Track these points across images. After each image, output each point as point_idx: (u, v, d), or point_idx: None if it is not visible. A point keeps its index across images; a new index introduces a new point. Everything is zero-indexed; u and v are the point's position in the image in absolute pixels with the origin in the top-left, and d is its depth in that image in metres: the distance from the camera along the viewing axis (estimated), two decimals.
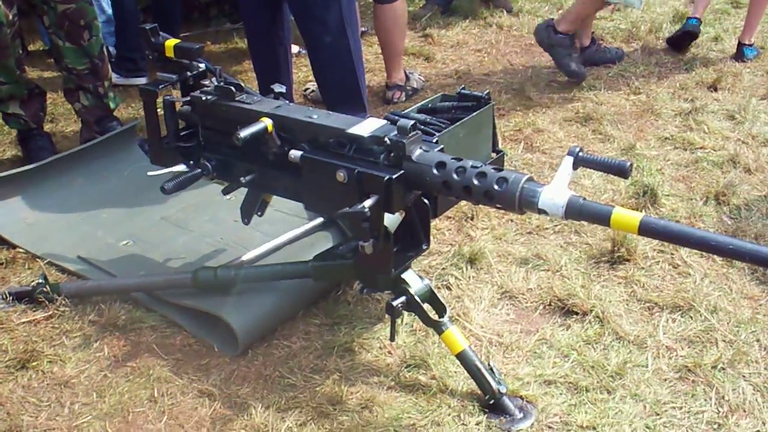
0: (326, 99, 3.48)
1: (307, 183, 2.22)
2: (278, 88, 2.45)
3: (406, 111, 2.53)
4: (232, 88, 2.36)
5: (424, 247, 2.30)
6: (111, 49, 4.38)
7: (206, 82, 2.47)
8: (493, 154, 2.59)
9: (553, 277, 2.69)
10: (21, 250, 2.87)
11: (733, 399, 2.21)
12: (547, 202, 1.88)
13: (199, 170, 2.39)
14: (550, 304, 2.58)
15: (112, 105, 3.53)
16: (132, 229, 2.90)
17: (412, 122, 2.08)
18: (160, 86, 2.42)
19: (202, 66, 2.46)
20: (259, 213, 2.51)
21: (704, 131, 3.59)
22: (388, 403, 2.21)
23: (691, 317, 2.51)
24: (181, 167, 2.42)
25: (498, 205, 1.98)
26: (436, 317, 2.24)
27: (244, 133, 2.20)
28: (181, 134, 2.46)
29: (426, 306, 2.24)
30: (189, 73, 2.45)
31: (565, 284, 2.64)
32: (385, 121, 2.18)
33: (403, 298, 2.24)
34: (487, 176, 1.94)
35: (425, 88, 4.19)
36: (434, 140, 2.22)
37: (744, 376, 2.30)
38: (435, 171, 2.01)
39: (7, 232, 2.92)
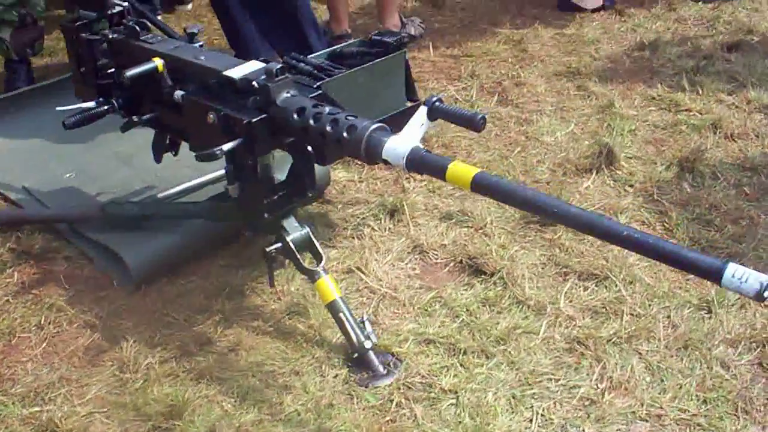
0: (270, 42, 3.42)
1: (188, 123, 2.23)
2: (191, 29, 2.44)
3: (317, 54, 2.47)
4: (137, 27, 2.37)
5: (309, 194, 2.27)
6: None
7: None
8: (409, 103, 2.50)
9: (474, 235, 2.61)
10: None
11: (617, 376, 2.10)
12: (390, 152, 1.81)
13: (106, 107, 2.42)
14: (460, 262, 2.50)
15: None
16: (81, 162, 2.96)
17: (280, 66, 2.04)
18: (78, 23, 2.45)
19: (122, 5, 2.47)
20: (173, 152, 2.52)
21: (697, 92, 3.38)
22: (255, 347, 2.21)
23: (606, 287, 2.39)
24: (90, 104, 2.44)
25: (348, 154, 1.93)
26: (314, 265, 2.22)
27: (131, 72, 2.21)
28: (100, 71, 2.49)
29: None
30: (110, 11, 2.47)
31: (483, 243, 2.56)
32: (263, 64, 2.15)
33: (278, 245, 2.22)
34: (339, 123, 1.89)
35: (424, 36, 4.08)
36: (316, 85, 2.17)
37: (640, 353, 2.18)
38: (295, 116, 1.96)
39: None
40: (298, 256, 2.21)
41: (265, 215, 2.20)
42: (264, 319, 2.30)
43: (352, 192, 2.83)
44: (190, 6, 4.66)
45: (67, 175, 2.91)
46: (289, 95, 2.02)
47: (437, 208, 2.72)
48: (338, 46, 2.46)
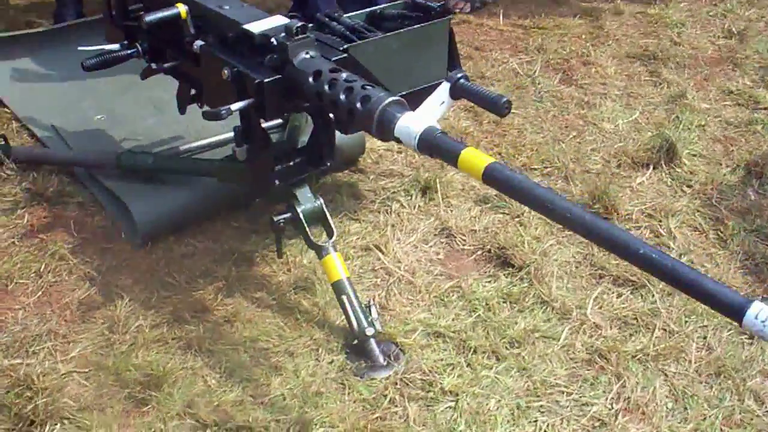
0: None
1: (204, 76, 2.09)
2: None
3: (356, 13, 2.30)
4: None
5: (327, 164, 2.12)
6: None
7: None
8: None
9: (509, 223, 2.42)
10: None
11: (636, 397, 1.91)
12: (402, 130, 1.63)
13: (129, 51, 2.29)
14: (488, 251, 2.32)
15: None
16: (113, 105, 2.86)
17: (301, 23, 1.88)
18: None
19: None
20: (198, 104, 2.39)
21: None
22: (252, 321, 2.08)
23: (641, 296, 2.18)
24: (114, 46, 2.32)
25: (361, 127, 1.77)
26: (324, 241, 2.07)
27: (151, 16, 2.08)
28: (129, 13, 2.37)
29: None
30: None
31: (516, 233, 2.37)
32: (288, 20, 1.99)
33: (287, 214, 2.08)
34: (354, 92, 1.72)
35: (497, 2, 3.85)
36: (342, 48, 2.00)
37: (665, 374, 1.98)
38: (311, 80, 1.80)
39: (4, 89, 2.97)
40: (307, 229, 2.06)
41: (276, 182, 2.07)
42: (268, 291, 2.17)
43: (388, 163, 2.66)
44: None
45: (98, 117, 2.81)
46: (308, 56, 1.86)
47: (474, 189, 2.53)
48: (379, 6, 2.27)
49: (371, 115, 1.67)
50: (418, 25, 2.16)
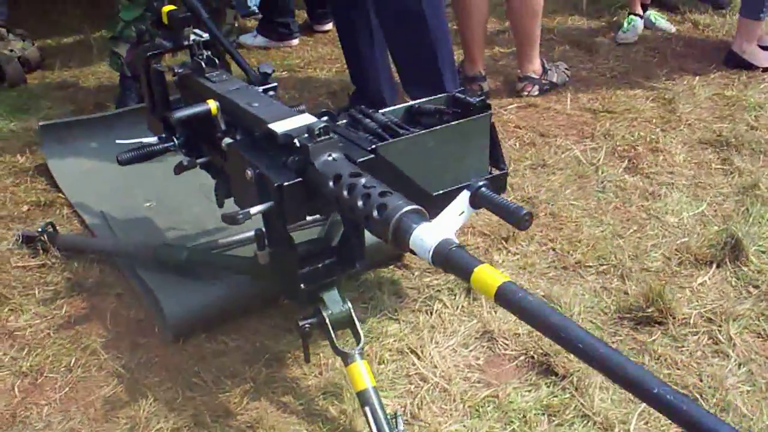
0: (401, 79, 3.23)
1: (232, 175, 2.06)
2: (264, 68, 2.26)
3: (392, 109, 2.23)
4: (203, 62, 2.22)
5: (357, 266, 2.04)
6: (254, 8, 4.38)
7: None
8: (495, 171, 2.21)
9: None
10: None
11: None
12: (417, 242, 1.55)
13: (165, 145, 2.28)
14: (531, 357, 2.19)
15: None
16: (163, 191, 2.86)
17: (323, 125, 1.83)
18: (149, 53, 2.33)
19: (193, 37, 2.32)
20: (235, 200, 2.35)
21: None
22: (276, 428, 1.99)
23: None
24: (152, 139, 2.31)
25: (377, 235, 1.69)
26: (352, 346, 1.98)
27: (179, 113, 2.07)
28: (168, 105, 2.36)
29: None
30: (186, 42, 2.33)
31: None
32: (314, 119, 1.94)
33: (313, 319, 2.00)
34: (371, 199, 1.65)
35: (567, 84, 3.74)
36: (370, 148, 1.93)
37: None
38: (331, 183, 1.74)
39: (60, 174, 3.01)
40: (333, 335, 1.98)
41: (301, 286, 2.00)
42: (295, 395, 2.09)
43: None
44: (296, 41, 4.50)
45: (147, 204, 2.82)
46: (330, 158, 1.80)
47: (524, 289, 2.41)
48: (418, 101, 2.20)
49: (387, 224, 1.59)
50: (456, 122, 2.09)
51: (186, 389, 2.11)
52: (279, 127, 1.91)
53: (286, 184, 1.79)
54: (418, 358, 2.18)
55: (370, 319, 2.31)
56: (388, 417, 1.91)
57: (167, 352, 2.24)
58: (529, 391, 2.09)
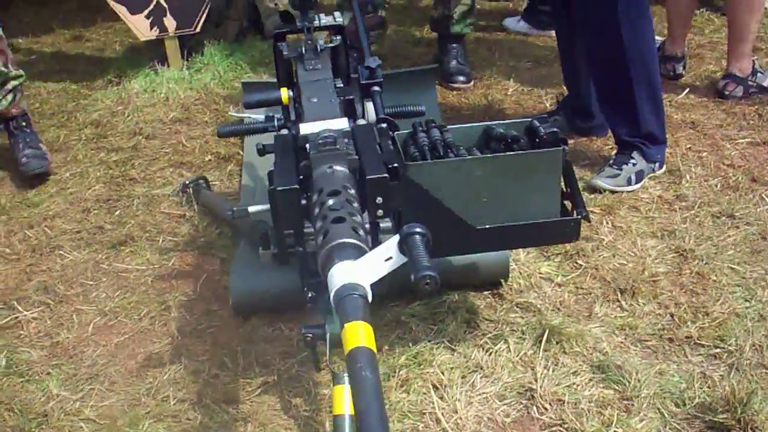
0: (595, 93, 2.92)
1: None
2: (370, 62, 2.18)
3: (469, 126, 2.01)
4: (304, 48, 2.20)
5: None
6: None
7: None
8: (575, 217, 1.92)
9: (608, 405, 1.96)
10: None
11: None
12: (330, 279, 1.44)
13: (265, 124, 2.25)
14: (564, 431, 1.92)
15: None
16: None
17: (326, 135, 1.74)
18: (276, 32, 2.34)
19: (317, 21, 2.29)
20: None
21: None
22: (267, 427, 1.96)
23: None
24: (259, 117, 2.33)
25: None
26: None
27: (252, 97, 2.09)
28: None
29: None
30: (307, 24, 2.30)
31: (606, 420, 1.92)
32: (348, 126, 1.85)
33: (317, 330, 1.92)
34: (324, 222, 1.56)
35: None
36: (391, 166, 1.78)
37: None
38: (315, 197, 1.66)
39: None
40: (329, 351, 1.88)
41: (308, 294, 1.93)
42: (306, 400, 2.03)
43: (534, 294, 2.32)
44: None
45: None
46: (329, 170, 1.71)
47: (600, 352, 2.11)
48: (495, 122, 1.97)
49: (320, 251, 1.50)
50: (511, 153, 1.86)
51: (216, 367, 2.15)
52: (306, 127, 1.85)
53: (279, 189, 1.73)
54: (442, 399, 2.01)
55: (426, 344, 2.17)
56: None
57: (225, 326, 2.29)
58: None
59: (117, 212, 2.84)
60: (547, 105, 3.41)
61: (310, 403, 2.02)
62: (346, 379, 1.83)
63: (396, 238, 1.47)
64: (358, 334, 1.31)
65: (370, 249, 1.49)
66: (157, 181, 3.01)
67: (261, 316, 2.30)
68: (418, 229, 1.46)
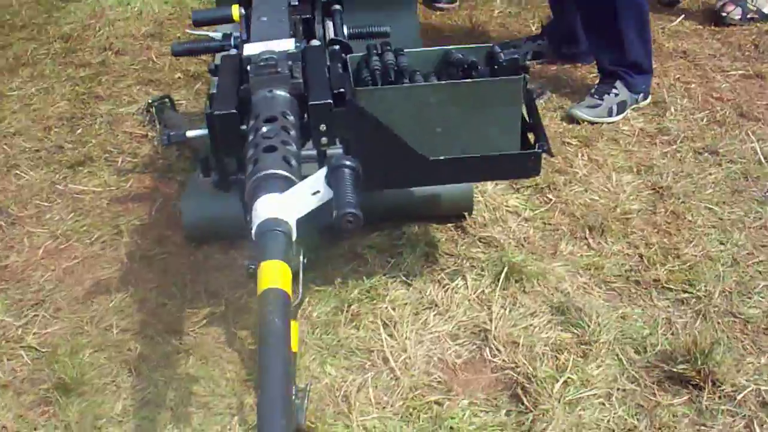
0: (580, 18, 2.77)
1: None
2: None
3: (427, 50, 1.89)
4: None
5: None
6: None
7: None
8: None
9: (565, 349, 1.88)
10: None
11: None
12: (255, 211, 1.36)
13: (222, 43, 2.13)
14: (514, 376, 1.84)
15: None
16: None
17: (266, 57, 1.62)
18: None
19: None
20: None
21: None
22: (207, 360, 1.89)
23: None
24: (216, 34, 2.20)
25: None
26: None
27: (200, 15, 2.00)
28: None
29: None
30: None
31: (558, 367, 1.84)
32: (291, 48, 1.72)
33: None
34: (256, 150, 1.46)
35: None
36: (336, 92, 1.67)
37: None
38: (252, 121, 1.56)
39: None
40: None
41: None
42: (252, 332, 1.96)
43: (499, 230, 2.23)
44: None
45: None
46: (269, 95, 1.60)
47: (562, 294, 2.02)
48: (454, 47, 1.85)
49: (248, 181, 1.41)
50: (466, 81, 1.75)
51: (163, 296, 2.08)
52: (250, 48, 1.73)
53: (216, 113, 1.63)
54: (392, 337, 1.94)
55: (382, 278, 2.09)
56: (296, 388, 1.73)
57: (176, 253, 2.22)
58: (483, 413, 1.77)
59: (79, 131, 2.75)
60: (533, 29, 3.26)
61: (256, 336, 1.95)
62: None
63: (324, 170, 1.37)
64: (274, 275, 1.23)
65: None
66: (123, 99, 2.91)
67: (214, 243, 2.22)
68: (346, 162, 1.36)
